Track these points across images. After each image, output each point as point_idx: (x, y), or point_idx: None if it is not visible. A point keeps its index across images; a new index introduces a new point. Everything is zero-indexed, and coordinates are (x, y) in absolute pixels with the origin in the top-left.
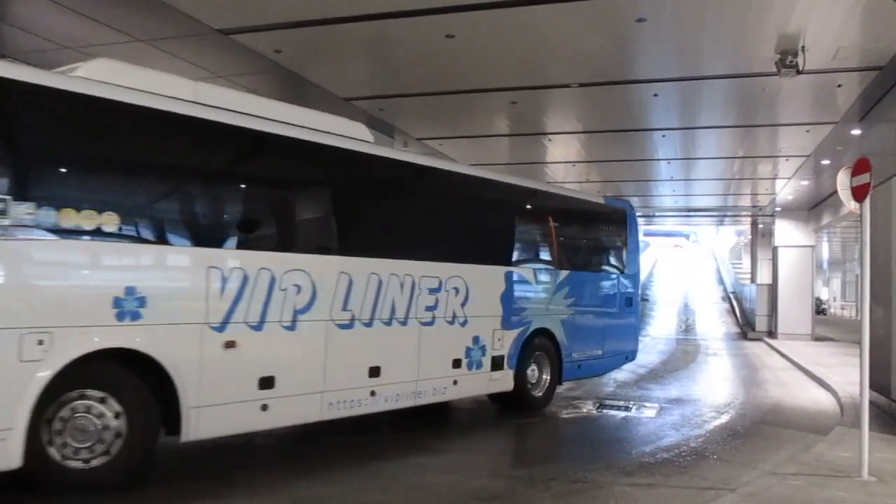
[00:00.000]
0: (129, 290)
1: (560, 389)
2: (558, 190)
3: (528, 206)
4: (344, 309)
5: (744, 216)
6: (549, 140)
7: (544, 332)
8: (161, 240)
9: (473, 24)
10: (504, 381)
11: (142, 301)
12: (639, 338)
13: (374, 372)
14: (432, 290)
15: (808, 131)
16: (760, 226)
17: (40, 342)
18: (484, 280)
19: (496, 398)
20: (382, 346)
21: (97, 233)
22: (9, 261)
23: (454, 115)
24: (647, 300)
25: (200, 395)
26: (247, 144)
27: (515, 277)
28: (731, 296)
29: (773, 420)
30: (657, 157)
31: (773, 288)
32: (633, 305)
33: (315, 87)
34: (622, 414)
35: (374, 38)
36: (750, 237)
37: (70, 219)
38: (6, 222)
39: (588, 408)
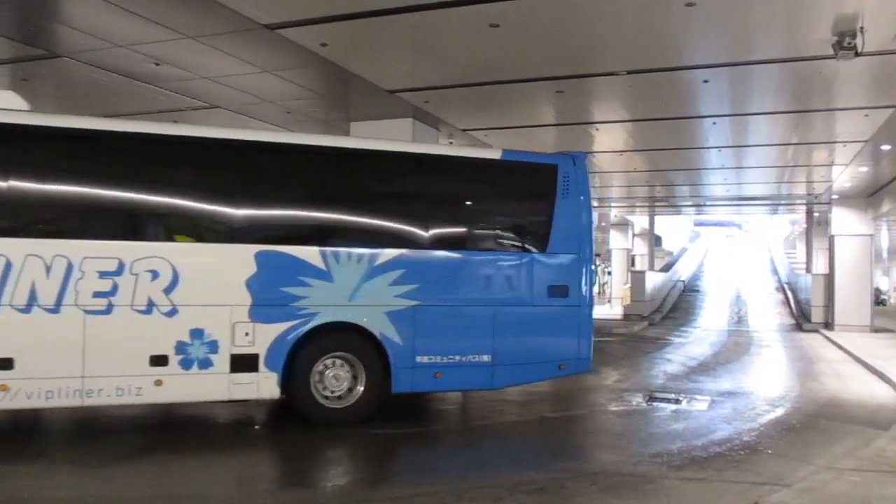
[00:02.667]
0: None
1: (608, 382)
2: (388, 145)
3: (303, 165)
4: None
5: (798, 204)
6: (597, 129)
7: (351, 328)
8: None
9: (518, 13)
10: (261, 386)
11: None
12: (585, 340)
13: (6, 364)
14: (106, 274)
15: (866, 115)
16: (816, 214)
17: None
18: (208, 262)
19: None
20: (15, 335)
21: None
22: None
23: (499, 105)
24: (697, 291)
25: None
26: None
27: (278, 258)
28: (786, 286)
29: (829, 414)
30: (707, 145)
31: (829, 278)
32: (567, 296)
33: (360, 80)
34: (672, 407)
35: (419, 29)
36: (805, 226)
37: None
38: None
39: (637, 400)
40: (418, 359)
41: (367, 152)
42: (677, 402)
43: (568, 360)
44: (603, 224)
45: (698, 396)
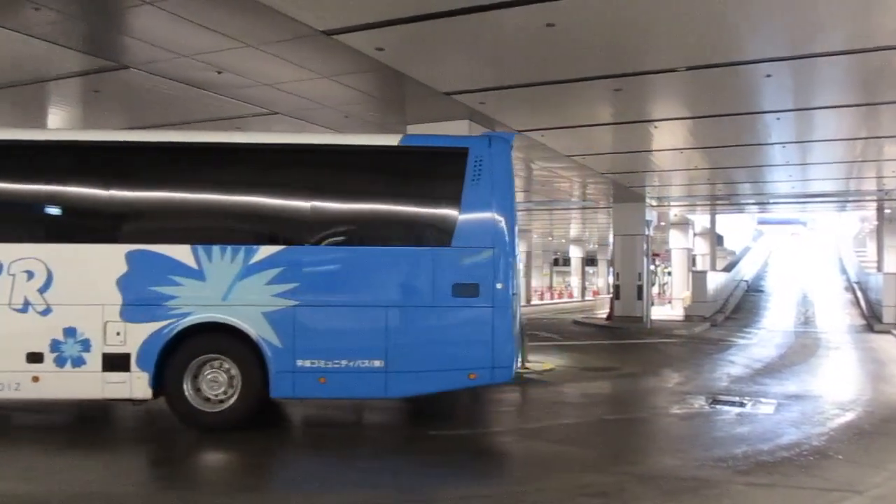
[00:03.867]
0: None
1: (668, 384)
2: (266, 139)
3: (172, 162)
4: None
5: (868, 200)
6: (656, 127)
7: (226, 329)
8: None
9: (575, 12)
10: (133, 385)
11: None
12: (503, 346)
13: None
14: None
15: None
16: (887, 211)
17: None
18: (81, 262)
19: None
20: None
21: None
22: None
23: (556, 105)
24: (761, 291)
25: None
26: None
27: (148, 257)
28: (855, 286)
29: None
30: (771, 141)
31: None
32: (477, 295)
33: (416, 82)
34: (737, 410)
35: (475, 31)
36: (875, 223)
37: None
38: None
39: (700, 403)
40: (299, 363)
41: (242, 146)
42: (742, 405)
43: (480, 368)
44: (662, 223)
45: (764, 399)
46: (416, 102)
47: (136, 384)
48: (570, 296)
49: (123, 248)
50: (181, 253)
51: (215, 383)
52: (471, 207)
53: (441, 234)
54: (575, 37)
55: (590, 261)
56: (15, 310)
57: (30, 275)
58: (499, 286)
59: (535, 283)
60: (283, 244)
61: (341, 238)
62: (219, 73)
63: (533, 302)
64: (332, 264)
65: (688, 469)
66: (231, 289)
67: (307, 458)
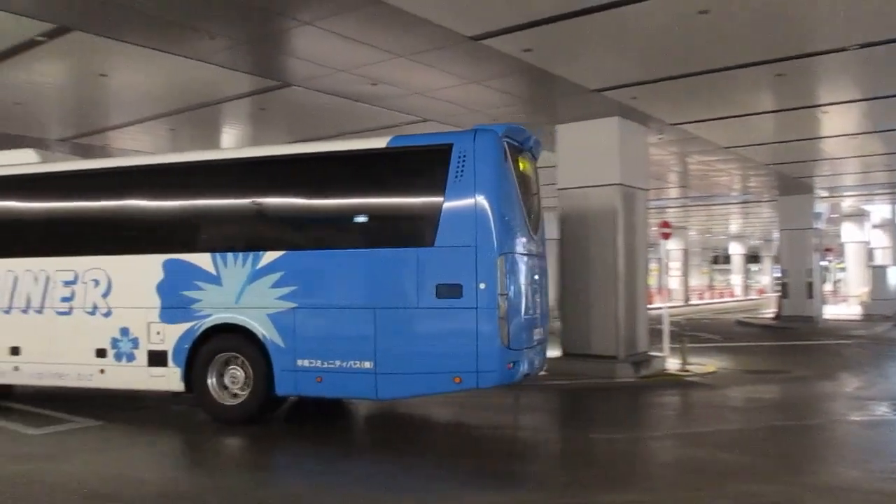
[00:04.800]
0: None
1: (847, 389)
2: (263, 152)
3: (197, 183)
4: None
5: None
6: (824, 112)
7: (240, 330)
8: None
9: None
10: (169, 379)
11: None
12: (488, 349)
13: (15, 351)
14: (67, 283)
15: None
16: None
17: None
18: (131, 270)
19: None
20: (20, 330)
21: None
22: None
23: (712, 95)
24: None
25: None
26: None
27: (178, 265)
28: None
29: None
30: None
31: None
32: (460, 296)
33: (564, 81)
34: None
35: (624, 25)
36: None
37: None
38: None
39: (883, 410)
40: (299, 362)
41: (248, 160)
42: None
43: (464, 372)
44: (834, 216)
45: None
46: (564, 101)
47: (172, 378)
48: (732, 295)
49: (161, 258)
50: (203, 261)
51: (234, 379)
52: (454, 205)
53: (425, 233)
54: (730, 22)
55: (752, 258)
56: (86, 312)
57: (96, 282)
58: (482, 286)
59: (693, 282)
60: (283, 250)
61: (334, 241)
62: (373, 84)
63: (692, 302)
64: (325, 268)
65: (871, 481)
66: (242, 292)
67: (460, 464)
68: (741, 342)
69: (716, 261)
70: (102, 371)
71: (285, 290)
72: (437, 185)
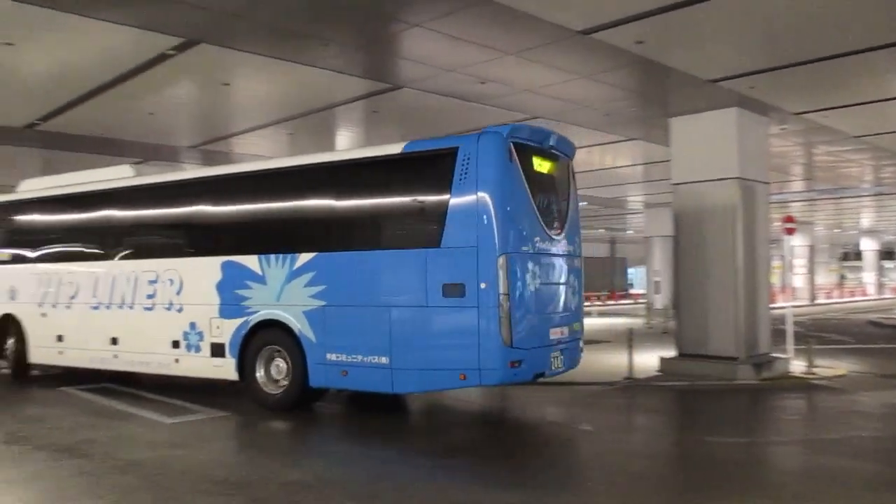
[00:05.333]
0: None
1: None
2: (293, 162)
3: (241, 192)
4: (93, 296)
5: None
6: None
7: (278, 325)
8: None
9: None
10: (226, 369)
11: None
12: (489, 348)
13: (114, 341)
14: (150, 282)
15: None
16: None
17: None
18: (197, 271)
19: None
20: (117, 323)
21: None
22: None
23: (840, 81)
24: None
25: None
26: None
27: (233, 266)
28: None
29: None
30: None
31: None
32: (463, 296)
33: (678, 73)
34: None
35: (742, 11)
36: None
37: None
38: None
39: None
40: (328, 356)
41: (285, 169)
42: None
43: (469, 369)
44: None
45: None
46: (678, 93)
47: (228, 368)
48: (864, 293)
49: (219, 260)
50: (251, 262)
51: (279, 369)
52: (458, 206)
53: (433, 234)
54: (861, 1)
55: (887, 254)
56: (165, 308)
57: (171, 282)
58: (483, 286)
59: (820, 280)
60: (315, 251)
61: (356, 243)
62: (482, 83)
63: (818, 301)
64: (349, 268)
65: None
66: (282, 291)
67: (571, 464)
68: (875, 344)
69: (845, 257)
70: (177, 360)
71: (316, 290)
72: (445, 187)
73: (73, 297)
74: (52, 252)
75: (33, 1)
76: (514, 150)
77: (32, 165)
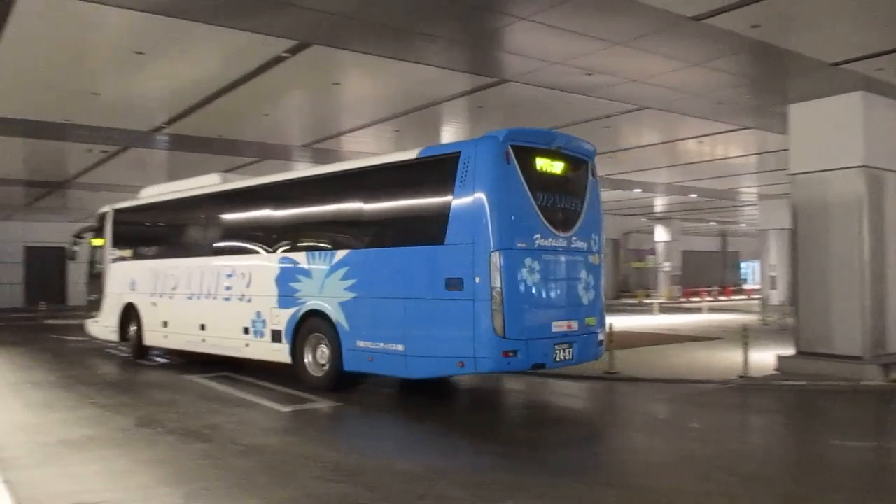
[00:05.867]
0: None
1: None
2: (325, 169)
3: (293, 195)
4: (188, 288)
5: None
6: None
7: (320, 314)
8: None
9: None
10: (282, 353)
11: None
12: (482, 338)
13: (203, 327)
14: (228, 276)
15: None
16: None
17: None
18: (262, 267)
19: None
20: (205, 312)
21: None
22: None
23: None
24: None
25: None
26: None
27: (287, 262)
28: None
29: None
30: None
31: None
32: (461, 289)
33: (798, 56)
34: None
35: None
36: None
37: None
38: None
39: None
40: (358, 343)
41: (321, 176)
42: None
43: (466, 357)
44: None
45: None
46: (797, 78)
47: (284, 352)
48: None
49: (277, 256)
50: (301, 258)
51: (322, 354)
52: (459, 206)
53: (438, 232)
54: None
55: None
56: (238, 299)
57: (243, 276)
58: (477, 280)
59: None
60: (347, 249)
61: (379, 241)
62: (588, 75)
63: None
64: (373, 264)
65: None
66: (323, 284)
67: (679, 463)
68: None
69: None
70: (247, 345)
71: (349, 283)
72: (449, 188)
73: (174, 289)
74: (159, 249)
75: (162, 11)
76: (511, 153)
77: (158, 167)
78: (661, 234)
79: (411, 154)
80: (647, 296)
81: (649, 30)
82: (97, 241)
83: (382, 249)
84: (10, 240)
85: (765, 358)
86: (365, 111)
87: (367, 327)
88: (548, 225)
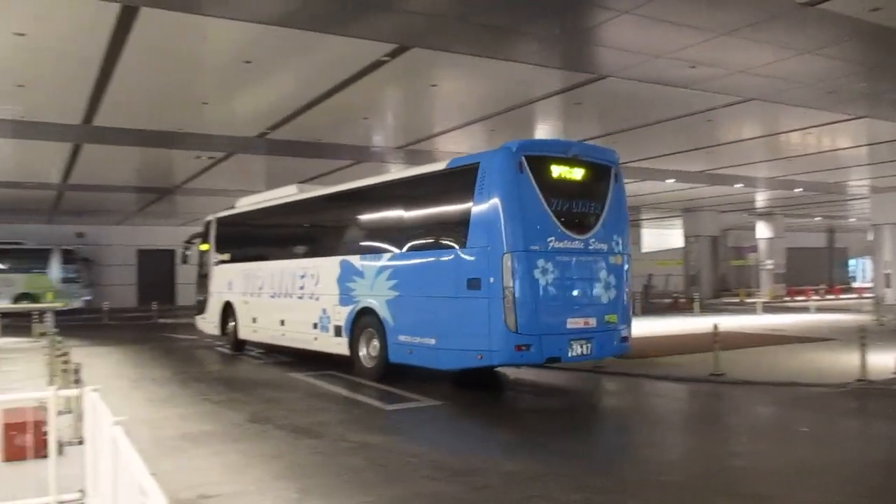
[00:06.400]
0: None
1: None
2: (374, 180)
3: (348, 203)
4: (271, 288)
5: None
6: None
7: (370, 311)
8: None
9: None
10: (342, 346)
11: None
12: (496, 332)
13: (282, 323)
14: (301, 277)
15: None
16: None
17: None
18: (326, 268)
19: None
20: (284, 309)
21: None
22: None
23: None
24: None
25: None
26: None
27: (346, 264)
28: None
29: None
30: None
31: None
32: (479, 289)
33: None
34: None
35: None
36: None
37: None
38: None
39: None
40: (399, 337)
41: (368, 187)
42: None
43: (483, 350)
44: None
45: None
46: None
47: (343, 345)
48: None
49: (338, 259)
50: (356, 260)
51: (374, 347)
52: (478, 212)
53: (461, 237)
54: None
55: None
56: (308, 297)
57: (312, 276)
58: (491, 280)
59: None
60: (391, 252)
61: (414, 245)
62: (692, 67)
63: None
64: (409, 265)
65: None
66: (373, 284)
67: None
68: None
69: None
70: (315, 339)
71: (392, 283)
72: (470, 196)
73: (260, 289)
74: (248, 253)
75: (273, 22)
76: (525, 162)
77: (258, 171)
78: (762, 230)
79: (441, 165)
80: (749, 295)
81: (758, 18)
82: (203, 247)
83: (418, 252)
84: (124, 243)
85: (884, 360)
86: (460, 112)
87: (406, 323)
88: (563, 228)
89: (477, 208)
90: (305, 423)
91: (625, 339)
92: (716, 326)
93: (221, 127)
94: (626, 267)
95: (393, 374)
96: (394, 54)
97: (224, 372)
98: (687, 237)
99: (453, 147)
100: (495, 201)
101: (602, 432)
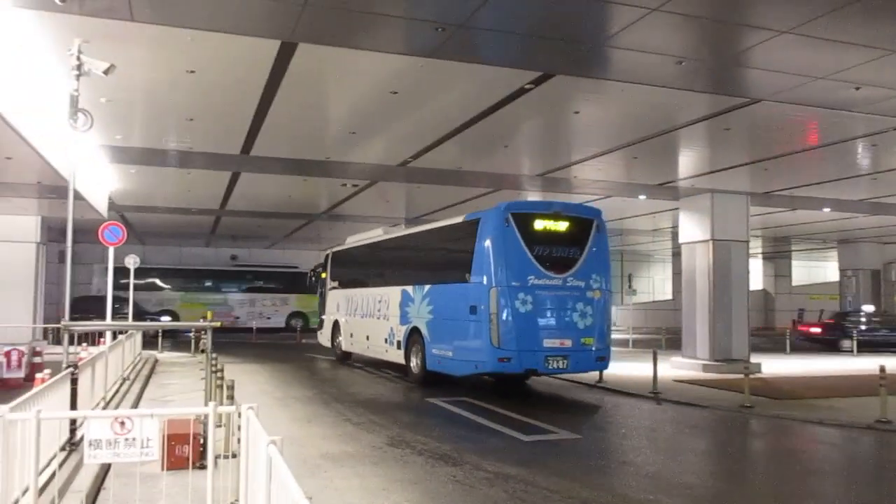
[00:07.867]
0: None
1: None
2: (421, 227)
3: (407, 245)
4: (360, 309)
5: None
6: None
7: (417, 330)
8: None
9: None
10: (401, 357)
11: None
12: (486, 347)
13: (367, 338)
14: (378, 301)
15: None
16: None
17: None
18: (393, 295)
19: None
20: (369, 327)
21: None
22: None
23: None
24: None
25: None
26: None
27: (404, 292)
28: None
29: None
30: None
31: None
32: (477, 313)
33: None
34: None
35: None
36: None
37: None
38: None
39: None
40: (434, 350)
41: (430, 233)
42: None
43: (477, 361)
44: None
45: None
46: None
47: (401, 356)
48: None
49: (399, 288)
50: (410, 290)
51: (421, 358)
52: (476, 255)
53: (468, 273)
54: None
55: None
56: (382, 318)
57: (384, 302)
58: (482, 307)
59: None
60: (429, 284)
61: (440, 279)
62: (857, 88)
63: None
64: (435, 294)
65: None
66: (419, 308)
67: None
68: None
69: None
70: (386, 351)
71: (430, 308)
72: (473, 242)
73: (355, 311)
74: (348, 281)
75: (424, 54)
76: (511, 218)
77: (398, 198)
78: None
79: (460, 219)
80: None
81: None
82: (323, 275)
83: (443, 284)
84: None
85: None
86: (602, 139)
87: (437, 339)
88: (542, 269)
89: (476, 252)
90: (443, 450)
91: (602, 358)
92: (882, 368)
93: (366, 155)
94: (604, 300)
95: (432, 380)
96: (537, 82)
97: (362, 395)
98: (842, 270)
99: (592, 175)
100: (487, 247)
101: (755, 477)
